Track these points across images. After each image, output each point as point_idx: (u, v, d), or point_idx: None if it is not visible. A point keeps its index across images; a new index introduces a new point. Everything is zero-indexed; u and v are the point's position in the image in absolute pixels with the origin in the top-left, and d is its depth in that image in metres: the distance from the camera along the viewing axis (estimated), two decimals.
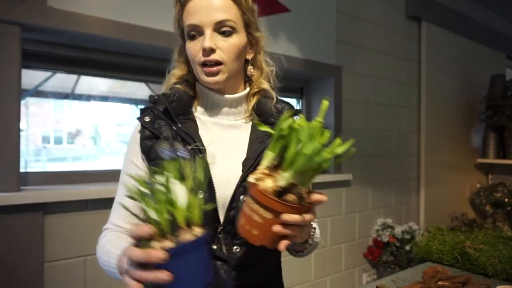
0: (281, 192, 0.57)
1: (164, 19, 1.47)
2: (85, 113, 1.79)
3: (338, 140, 0.58)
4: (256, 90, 0.85)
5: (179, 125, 0.78)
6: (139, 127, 0.81)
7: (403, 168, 2.74)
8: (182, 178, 0.55)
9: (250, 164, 0.76)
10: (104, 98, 1.76)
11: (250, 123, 0.85)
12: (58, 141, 2.15)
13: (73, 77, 1.61)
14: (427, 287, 0.91)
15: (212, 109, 0.84)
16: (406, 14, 2.74)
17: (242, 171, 0.76)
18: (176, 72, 0.85)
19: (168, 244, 0.51)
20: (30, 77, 1.51)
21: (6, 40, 1.23)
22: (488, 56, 3.44)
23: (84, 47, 1.52)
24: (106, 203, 1.18)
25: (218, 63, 0.75)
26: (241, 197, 0.75)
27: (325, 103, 0.61)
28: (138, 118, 0.81)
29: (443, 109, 2.98)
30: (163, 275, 0.49)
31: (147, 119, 0.80)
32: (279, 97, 0.87)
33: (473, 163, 3.29)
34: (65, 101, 1.73)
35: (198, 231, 0.53)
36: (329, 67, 2.22)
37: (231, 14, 0.75)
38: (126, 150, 0.83)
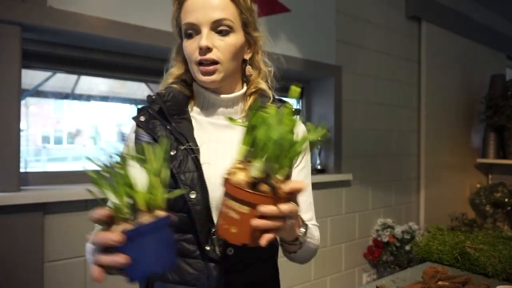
0: (255, 183, 0.55)
1: (164, 19, 1.46)
2: (85, 113, 1.79)
3: (310, 125, 0.58)
4: (253, 90, 0.84)
5: (173, 124, 0.78)
6: (134, 127, 0.82)
7: (403, 168, 2.74)
8: (144, 161, 0.55)
9: None
10: (104, 98, 1.76)
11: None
12: (58, 141, 2.15)
13: (73, 77, 1.61)
14: (427, 287, 0.91)
15: (208, 109, 0.83)
16: (406, 14, 2.74)
17: None
18: (174, 71, 0.85)
19: (127, 227, 0.51)
20: (30, 77, 1.51)
21: (6, 40, 1.23)
22: (488, 56, 3.44)
23: (84, 47, 1.52)
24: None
25: (214, 62, 0.75)
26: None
27: (294, 89, 0.60)
28: (133, 118, 0.82)
29: (443, 109, 2.98)
30: (119, 258, 0.49)
31: (142, 119, 0.80)
32: (279, 97, 0.87)
33: (473, 163, 3.29)
34: (65, 101, 1.73)
35: (159, 214, 0.53)
36: (329, 67, 2.22)
37: (228, 13, 0.75)
38: (122, 150, 0.84)
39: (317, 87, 2.34)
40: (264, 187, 0.55)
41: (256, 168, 0.55)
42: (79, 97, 1.67)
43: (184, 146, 0.75)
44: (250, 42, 0.82)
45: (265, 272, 0.86)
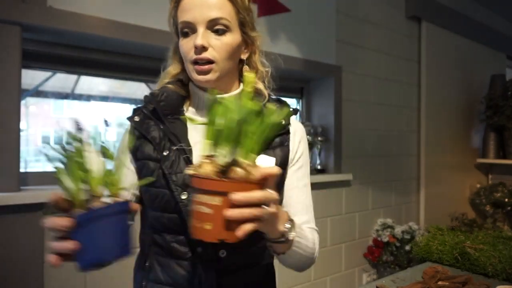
0: (223, 172, 0.52)
1: (164, 19, 1.45)
2: (85, 113, 1.79)
3: (272, 106, 0.59)
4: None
5: (167, 124, 0.77)
6: (129, 127, 0.82)
7: (403, 168, 2.74)
8: (104, 148, 0.54)
9: None
10: (104, 98, 1.76)
11: None
12: (58, 141, 2.15)
13: (73, 77, 1.61)
14: (427, 287, 0.91)
15: (203, 109, 0.82)
16: (406, 14, 2.74)
17: None
18: (171, 70, 0.85)
19: (78, 211, 0.49)
20: (30, 77, 1.51)
21: (6, 40, 1.23)
22: (488, 56, 3.44)
23: (84, 47, 1.52)
24: None
25: (209, 61, 0.74)
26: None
27: (247, 75, 0.65)
28: (128, 118, 0.82)
29: (443, 109, 2.98)
30: (67, 244, 0.48)
31: (136, 119, 0.80)
32: (277, 97, 0.86)
33: (473, 163, 3.29)
34: (65, 101, 1.73)
35: (116, 200, 0.51)
36: (329, 67, 2.22)
37: (225, 12, 0.74)
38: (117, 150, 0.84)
39: (317, 87, 2.34)
40: (233, 173, 0.52)
41: (222, 155, 0.52)
42: (79, 97, 1.67)
43: (176, 147, 0.75)
44: (247, 42, 0.81)
45: (259, 274, 0.85)
